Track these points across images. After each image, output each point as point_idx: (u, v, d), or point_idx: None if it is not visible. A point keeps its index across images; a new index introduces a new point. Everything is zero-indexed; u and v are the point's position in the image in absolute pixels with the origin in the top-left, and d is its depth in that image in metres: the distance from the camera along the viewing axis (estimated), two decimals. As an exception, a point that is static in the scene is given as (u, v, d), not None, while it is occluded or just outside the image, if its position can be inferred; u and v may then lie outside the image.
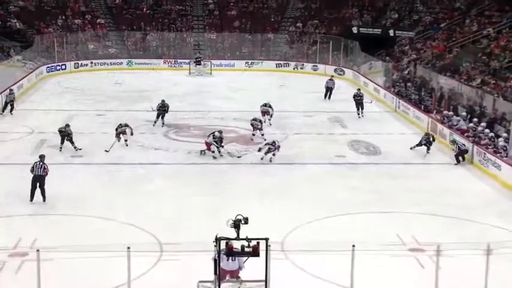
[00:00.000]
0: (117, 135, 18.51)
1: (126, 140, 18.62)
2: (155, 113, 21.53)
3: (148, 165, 16.97)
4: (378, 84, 28.70)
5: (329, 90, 27.04)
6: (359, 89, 24.87)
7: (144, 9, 40.09)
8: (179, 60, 35.42)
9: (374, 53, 33.48)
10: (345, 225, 12.87)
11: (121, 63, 35.26)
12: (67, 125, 18.24)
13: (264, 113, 21.30)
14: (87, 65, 34.44)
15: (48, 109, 23.77)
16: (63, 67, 33.39)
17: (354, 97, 23.96)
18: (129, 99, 26.37)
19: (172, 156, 17.99)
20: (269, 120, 21.40)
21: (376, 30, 36.35)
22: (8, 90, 23.30)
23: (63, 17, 37.65)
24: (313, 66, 35.35)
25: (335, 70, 34.11)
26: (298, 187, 15.45)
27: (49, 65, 32.65)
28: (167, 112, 21.40)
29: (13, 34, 34.18)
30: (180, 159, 17.71)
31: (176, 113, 23.22)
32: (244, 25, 39.30)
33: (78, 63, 34.26)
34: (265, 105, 21.59)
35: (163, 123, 21.20)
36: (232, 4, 41.17)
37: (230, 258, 8.82)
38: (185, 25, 39.41)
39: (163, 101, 21.61)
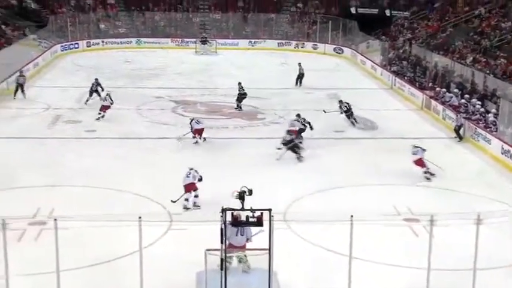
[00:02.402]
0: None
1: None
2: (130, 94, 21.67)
3: (156, 139, 16.91)
4: (374, 63, 28.44)
5: (300, 77, 24.77)
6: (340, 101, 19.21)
7: (153, -10, 39.60)
8: (186, 39, 35.10)
9: (371, 33, 33.10)
10: (344, 197, 12.85)
11: (130, 42, 34.98)
12: (96, 79, 20.39)
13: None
14: (98, 43, 34.19)
15: (62, 86, 23.62)
16: (76, 46, 33.16)
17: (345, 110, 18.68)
18: (139, 76, 26.22)
19: (179, 130, 17.88)
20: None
21: (373, 10, 35.92)
22: (19, 72, 22.13)
23: (76, -2, 37.26)
24: (313, 45, 35.00)
25: (334, 49, 33.82)
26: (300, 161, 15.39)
27: (63, 44, 32.43)
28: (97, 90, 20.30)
29: (28, 14, 33.83)
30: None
31: (184, 90, 23.13)
32: (248, 5, 38.82)
33: (90, 42, 34.01)
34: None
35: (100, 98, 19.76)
36: (237, -16, 40.63)
37: (239, 233, 8.71)
38: (191, 5, 38.94)
39: (96, 79, 20.75)
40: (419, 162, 14.25)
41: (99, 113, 18.63)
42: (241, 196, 8.19)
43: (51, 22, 33.00)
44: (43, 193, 12.66)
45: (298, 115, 17.06)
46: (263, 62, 30.20)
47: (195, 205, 12.05)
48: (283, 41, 35.67)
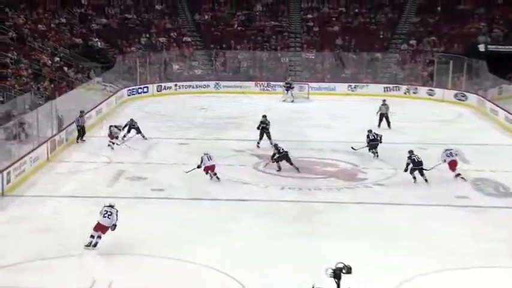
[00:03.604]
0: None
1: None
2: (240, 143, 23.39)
3: (235, 201, 17.18)
4: (510, 112, 27.55)
5: (382, 116, 26.71)
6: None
7: (235, 26, 41.19)
8: (272, 83, 35.93)
9: (506, 75, 32.28)
10: (469, 281, 12.38)
11: (208, 85, 36.25)
12: (131, 120, 24.04)
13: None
14: (170, 87, 35.70)
15: (128, 136, 24.65)
16: (145, 90, 34.81)
17: None
18: (216, 126, 26.94)
19: (262, 191, 18.11)
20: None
21: (509, 47, 35.15)
22: (79, 112, 23.88)
23: (147, 35, 39.40)
24: (429, 90, 34.64)
25: (456, 95, 33.26)
26: (409, 232, 15.03)
27: (130, 88, 34.14)
28: (138, 129, 24.04)
29: (94, 54, 36.12)
30: (271, 195, 17.81)
31: (268, 143, 23.45)
32: (348, 43, 39.34)
33: (161, 85, 35.60)
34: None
35: (143, 137, 23.97)
36: (334, 19, 41.42)
37: None
38: (280, 43, 40.03)
39: (131, 119, 24.39)
40: None
41: (112, 142, 22.59)
42: (336, 274, 8.11)
43: (119, 63, 35.00)
44: (101, 262, 13.12)
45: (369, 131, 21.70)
46: (365, 111, 30.08)
47: (92, 245, 13.51)
48: (391, 86, 35.59)
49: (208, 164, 18.64)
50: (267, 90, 35.83)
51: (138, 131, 24.09)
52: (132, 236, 14.40)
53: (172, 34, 40.12)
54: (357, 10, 41.91)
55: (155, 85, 35.40)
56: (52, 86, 29.25)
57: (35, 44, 33.38)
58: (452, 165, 18.96)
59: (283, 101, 33.37)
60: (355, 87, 35.71)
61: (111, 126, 23.40)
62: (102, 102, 29.39)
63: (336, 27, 40.80)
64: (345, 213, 16.38)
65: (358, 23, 40.99)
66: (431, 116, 29.21)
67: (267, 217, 15.99)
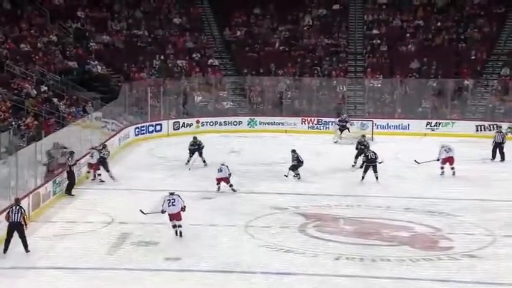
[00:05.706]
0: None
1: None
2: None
3: (273, 275, 17.12)
4: None
5: (497, 146, 28.06)
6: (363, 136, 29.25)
7: (276, 45, 41.57)
8: (325, 119, 36.03)
9: None
10: None
11: (240, 122, 36.69)
12: (194, 137, 28.47)
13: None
14: (191, 125, 36.15)
15: (132, 189, 24.90)
16: (158, 128, 35.36)
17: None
18: (249, 175, 27.00)
19: (311, 262, 18.02)
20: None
21: None
22: (68, 154, 24.41)
23: (162, 57, 39.98)
24: (542, 130, 34.39)
25: None
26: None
27: (138, 125, 34.69)
28: (201, 150, 28.18)
29: (92, 81, 36.74)
30: (322, 267, 17.70)
31: (319, 198, 23.41)
32: (427, 66, 39.32)
33: (179, 122, 36.04)
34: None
35: (204, 162, 28.34)
36: (408, 35, 41.48)
37: None
38: (336, 67, 40.18)
39: (195, 138, 28.59)
40: None
41: (90, 172, 25.97)
42: None
43: (124, 93, 35.37)
44: None
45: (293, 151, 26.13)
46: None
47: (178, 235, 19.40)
48: (486, 123, 35.38)
49: (217, 175, 24.15)
50: (317, 128, 36.03)
51: (200, 154, 28.14)
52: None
53: (194, 56, 40.68)
54: (439, 23, 41.93)
55: (171, 122, 35.88)
56: (37, 122, 29.63)
57: (15, 69, 34.03)
58: (449, 160, 26.48)
59: (335, 142, 33.37)
60: (435, 125, 35.58)
61: (92, 148, 26.44)
62: (102, 144, 29.53)
63: (411, 46, 40.88)
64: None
65: (442, 40, 41.00)
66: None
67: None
